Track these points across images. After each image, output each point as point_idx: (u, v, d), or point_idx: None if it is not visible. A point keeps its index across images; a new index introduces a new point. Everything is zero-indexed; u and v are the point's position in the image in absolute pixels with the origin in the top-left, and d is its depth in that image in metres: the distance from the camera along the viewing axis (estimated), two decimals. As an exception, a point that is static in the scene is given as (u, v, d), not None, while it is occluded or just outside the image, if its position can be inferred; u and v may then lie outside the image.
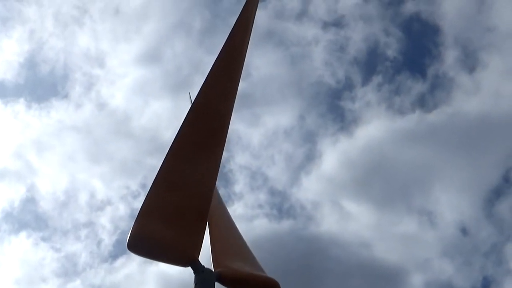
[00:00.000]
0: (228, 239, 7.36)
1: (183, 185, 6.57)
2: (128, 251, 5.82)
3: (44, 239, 28.21)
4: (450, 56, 28.11)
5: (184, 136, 6.71)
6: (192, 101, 7.59)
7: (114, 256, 26.06)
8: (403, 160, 27.65)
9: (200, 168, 6.75)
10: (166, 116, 29.37)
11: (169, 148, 6.64)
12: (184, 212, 6.26)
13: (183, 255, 5.98)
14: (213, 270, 6.21)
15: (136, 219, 5.92)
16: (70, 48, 29.50)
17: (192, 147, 6.78)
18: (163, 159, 6.45)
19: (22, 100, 28.31)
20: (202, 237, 6.05)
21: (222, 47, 7.43)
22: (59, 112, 29.25)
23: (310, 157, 28.21)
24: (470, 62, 27.82)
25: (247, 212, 25.99)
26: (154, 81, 30.65)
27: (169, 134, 27.07)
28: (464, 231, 26.27)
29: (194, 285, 6.08)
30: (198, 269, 6.08)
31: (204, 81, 7.12)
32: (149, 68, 33.05)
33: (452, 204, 27.08)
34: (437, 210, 26.57)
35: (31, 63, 28.77)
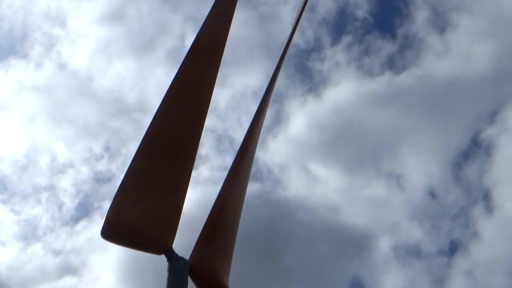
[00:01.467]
0: (220, 234, 7.21)
1: (158, 175, 6.48)
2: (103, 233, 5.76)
3: (3, 201, 27.64)
4: (420, 17, 27.89)
5: (159, 124, 6.63)
6: None
7: (75, 219, 26.75)
8: (372, 123, 27.17)
9: (176, 155, 6.69)
10: (130, 78, 28.75)
11: (145, 134, 6.57)
12: (158, 201, 6.18)
13: (157, 243, 5.88)
14: (187, 259, 6.15)
15: (110, 206, 5.80)
16: (29, 6, 29.14)
17: (170, 133, 6.74)
18: (140, 142, 6.39)
19: (-23, 58, 28.36)
20: (176, 225, 5.97)
21: (203, 28, 7.40)
22: (18, 72, 28.28)
23: (278, 120, 27.55)
24: (440, 23, 27.48)
25: (213, 174, 25.62)
26: (118, 41, 29.64)
27: (133, 95, 28.68)
28: (432, 194, 26.19)
29: (168, 273, 6.03)
30: (171, 257, 5.95)
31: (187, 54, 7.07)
32: (112, 28, 32.01)
33: (420, 167, 26.91)
34: (405, 173, 26.73)
35: (-13, 22, 28.86)
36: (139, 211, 5.98)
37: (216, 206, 6.60)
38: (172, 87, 6.84)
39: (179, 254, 6.18)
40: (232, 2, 7.83)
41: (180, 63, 7.03)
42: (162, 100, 6.80)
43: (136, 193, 6.06)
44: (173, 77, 7.03)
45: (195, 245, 6.35)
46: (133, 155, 6.31)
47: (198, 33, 7.28)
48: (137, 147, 6.39)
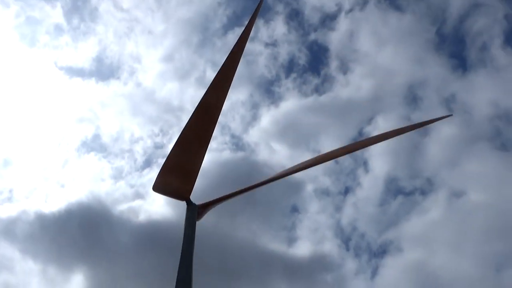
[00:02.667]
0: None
1: (185, 158, 11.10)
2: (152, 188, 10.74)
3: (104, 157, 46.31)
4: (333, 64, 48.64)
5: (189, 127, 11.11)
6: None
7: (143, 168, 45.62)
8: (305, 122, 46.65)
9: (196, 147, 11.21)
10: (175, 92, 49.64)
11: (179, 135, 11.20)
12: (184, 173, 11.01)
13: (182, 195, 11.02)
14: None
15: (158, 174, 10.84)
16: (121, 50, 48.17)
17: (193, 135, 11.13)
18: (178, 135, 11.35)
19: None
20: (192, 187, 10.98)
21: (222, 67, 11.55)
22: (114, 87, 49.15)
23: (255, 117, 48.06)
24: (344, 69, 48.29)
25: (218, 146, 43.77)
26: (169, 72, 49.58)
27: (176, 102, 48.76)
28: (336, 161, 38.90)
29: (186, 212, 11.18)
30: (189, 202, 11.21)
31: (209, 87, 11.62)
32: (166, 64, 49.93)
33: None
34: (322, 149, 43.73)
35: None
36: (173, 178, 10.91)
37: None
38: (199, 104, 11.26)
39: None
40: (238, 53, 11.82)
41: (205, 89, 11.45)
42: (192, 114, 11.37)
43: (172, 167, 10.99)
44: (200, 96, 11.45)
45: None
46: (174, 140, 11.45)
47: (216, 74, 11.95)
48: (176, 138, 11.35)
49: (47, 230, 34.87)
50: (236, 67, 12.19)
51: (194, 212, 11.02)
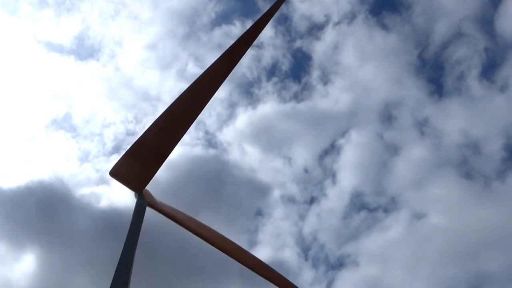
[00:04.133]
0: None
1: (153, 147, 10.66)
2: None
3: (73, 137, 45.24)
4: (315, 74, 48.45)
5: (168, 113, 10.57)
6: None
7: (111, 153, 43.68)
8: (281, 127, 46.79)
9: (168, 136, 10.77)
10: (154, 81, 46.31)
11: (156, 120, 10.70)
12: (146, 163, 10.55)
13: (137, 186, 10.57)
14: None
15: (120, 159, 10.27)
16: (104, 32, 45.49)
17: (170, 122, 10.60)
18: (150, 124, 10.76)
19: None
20: (149, 180, 10.61)
21: (221, 58, 10.82)
22: (93, 68, 46.61)
23: (231, 117, 47.75)
24: (325, 79, 48.24)
25: (191, 141, 42.77)
26: (150, 60, 47.65)
27: (154, 91, 46.86)
28: (306, 170, 45.99)
29: (135, 205, 10.72)
30: (141, 196, 10.75)
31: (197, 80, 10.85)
32: (149, 52, 48.07)
33: (301, 155, 46.03)
34: (293, 157, 45.78)
35: None
36: (134, 167, 10.43)
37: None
38: (188, 89, 10.64)
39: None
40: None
41: (185, 82, 10.95)
42: (177, 98, 10.81)
43: (136, 153, 10.50)
44: (179, 89, 10.89)
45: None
46: (144, 129, 10.88)
47: (217, 60, 11.04)
48: (147, 127, 10.85)
49: (3, 205, 33.87)
50: (241, 56, 11.36)
51: (143, 208, 10.62)
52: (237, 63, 11.40)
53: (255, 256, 13.50)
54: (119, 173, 10.72)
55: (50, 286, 29.38)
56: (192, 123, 10.97)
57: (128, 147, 10.68)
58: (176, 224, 12.62)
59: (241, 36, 11.27)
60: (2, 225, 32.83)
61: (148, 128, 10.85)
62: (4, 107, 46.58)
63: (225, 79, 11.31)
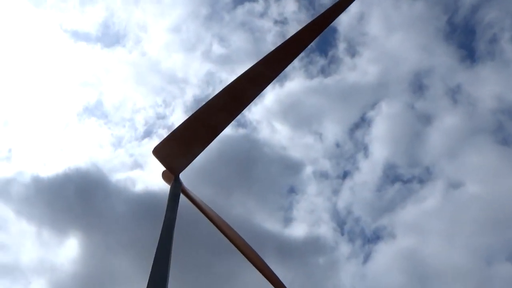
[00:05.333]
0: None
1: (198, 130, 10.62)
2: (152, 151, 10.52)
3: (105, 124, 45.77)
4: (341, 47, 47.54)
5: (218, 98, 10.30)
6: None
7: (142, 137, 44.96)
8: (309, 103, 46.20)
9: (216, 122, 10.61)
10: (180, 64, 46.10)
11: (206, 103, 10.47)
12: (187, 147, 10.66)
13: (175, 169, 10.63)
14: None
15: (163, 139, 10.53)
16: (128, 17, 47.56)
17: (219, 108, 10.30)
18: (200, 107, 10.57)
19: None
20: (188, 164, 10.59)
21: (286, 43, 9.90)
22: (119, 54, 46.97)
23: (259, 95, 40.73)
24: (352, 51, 47.23)
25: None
26: (175, 43, 47.48)
27: (181, 74, 48.50)
28: (337, 144, 45.62)
29: (170, 188, 10.85)
30: (176, 179, 10.84)
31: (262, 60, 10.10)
32: (173, 35, 47.35)
33: (332, 130, 45.49)
34: (324, 132, 45.53)
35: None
36: (175, 150, 10.57)
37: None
38: (246, 72, 10.01)
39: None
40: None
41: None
42: (231, 83, 10.38)
43: (178, 137, 10.59)
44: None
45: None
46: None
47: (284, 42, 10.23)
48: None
49: (44, 193, 35.06)
50: (312, 40, 10.44)
51: (178, 190, 10.72)
52: (302, 50, 10.57)
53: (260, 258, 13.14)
54: (161, 152, 10.90)
55: (93, 269, 30.45)
56: (241, 111, 10.69)
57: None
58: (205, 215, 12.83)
59: (313, 20, 10.49)
60: (44, 212, 34.08)
61: (197, 111, 10.76)
62: (37, 98, 47.83)
63: (283, 68, 10.54)
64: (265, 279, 12.51)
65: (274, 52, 10.42)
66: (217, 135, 10.80)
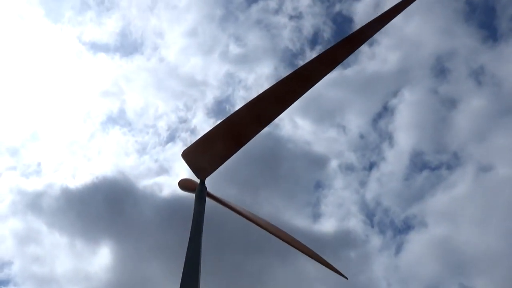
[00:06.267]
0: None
1: (226, 140, 10.58)
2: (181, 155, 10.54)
3: (129, 131, 46.31)
4: None
5: (251, 105, 10.13)
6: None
7: (166, 142, 45.55)
8: (329, 95, 45.64)
9: (243, 132, 10.56)
10: (198, 67, 48.56)
11: (238, 109, 10.39)
12: (214, 156, 10.65)
13: (203, 173, 10.61)
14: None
15: (193, 144, 10.51)
16: (145, 25, 48.36)
17: (247, 120, 10.20)
18: (227, 116, 10.51)
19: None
20: (215, 169, 10.65)
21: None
22: (138, 62, 47.82)
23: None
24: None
25: None
26: (191, 47, 48.48)
27: (200, 77, 49.07)
28: (361, 136, 45.55)
29: (196, 192, 10.82)
30: (202, 183, 10.81)
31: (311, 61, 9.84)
32: (189, 39, 48.10)
33: (355, 121, 45.48)
34: (347, 125, 45.51)
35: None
36: (203, 154, 10.54)
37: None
38: (289, 76, 9.80)
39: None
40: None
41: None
42: (258, 96, 10.26)
43: (211, 141, 10.54)
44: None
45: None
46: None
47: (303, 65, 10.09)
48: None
49: (73, 204, 35.64)
50: (363, 43, 10.30)
51: (204, 194, 10.72)
52: (358, 46, 10.30)
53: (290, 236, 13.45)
54: (190, 156, 10.92)
55: (126, 275, 30.82)
56: (270, 123, 10.52)
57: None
58: (231, 210, 12.89)
59: (368, 23, 10.39)
60: (75, 223, 34.66)
61: (227, 118, 10.70)
62: (62, 111, 48.65)
63: (340, 61, 10.18)
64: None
65: (307, 65, 10.26)
66: (244, 144, 10.75)
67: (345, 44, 10.18)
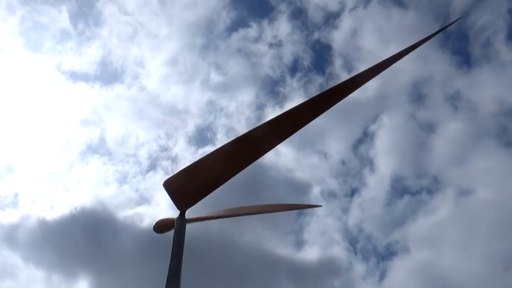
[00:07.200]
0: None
1: (210, 173, 10.44)
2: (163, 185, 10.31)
3: (109, 160, 46.11)
4: (337, 64, 48.68)
5: (236, 143, 10.15)
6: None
7: (147, 171, 45.09)
8: (311, 122, 40.73)
9: (231, 166, 10.47)
10: (179, 96, 48.10)
11: (224, 144, 10.41)
12: (198, 185, 10.47)
13: (184, 204, 10.40)
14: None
15: (175, 174, 10.33)
16: (125, 54, 49.49)
17: (233, 156, 10.20)
18: (214, 150, 10.49)
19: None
20: (196, 202, 10.44)
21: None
22: (118, 90, 47.66)
23: (260, 119, 45.87)
24: (348, 67, 47.45)
25: None
26: (173, 76, 48.65)
27: (181, 105, 49.01)
28: (342, 162, 46.23)
29: (175, 223, 10.61)
30: (182, 215, 10.62)
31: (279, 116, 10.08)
32: (170, 68, 49.12)
33: (336, 147, 46.10)
34: (328, 151, 46.07)
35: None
36: (185, 186, 10.33)
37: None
38: (256, 128, 10.01)
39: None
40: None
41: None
42: (245, 133, 10.29)
43: (194, 173, 10.34)
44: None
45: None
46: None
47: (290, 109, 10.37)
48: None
49: (50, 236, 34.72)
50: (352, 91, 10.53)
51: (183, 227, 10.52)
52: (345, 95, 10.63)
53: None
54: (172, 186, 10.69)
55: (106, 310, 29.87)
56: (252, 163, 10.54)
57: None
58: (215, 219, 12.70)
59: (368, 69, 10.51)
60: (52, 256, 33.65)
61: (213, 151, 10.61)
62: (40, 140, 47.90)
63: (326, 109, 10.64)
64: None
65: (296, 108, 10.50)
66: (227, 180, 10.67)
67: (333, 92, 10.52)
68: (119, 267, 30.18)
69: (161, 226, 12.87)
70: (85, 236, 33.75)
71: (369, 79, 10.51)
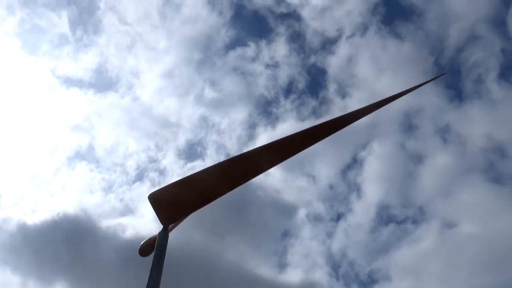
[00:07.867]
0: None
1: (198, 190, 10.26)
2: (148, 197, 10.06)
3: (96, 168, 46.15)
4: (331, 88, 49.05)
5: (232, 162, 10.08)
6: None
7: (133, 182, 44.92)
8: None
9: (214, 189, 10.32)
10: (173, 108, 47.51)
11: (219, 162, 10.30)
12: (185, 202, 10.27)
13: (168, 220, 10.22)
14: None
15: (162, 187, 10.06)
16: (122, 64, 50.12)
17: (225, 174, 10.09)
18: (206, 168, 10.31)
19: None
20: (182, 218, 10.26)
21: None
22: (112, 99, 47.66)
23: (251, 137, 47.14)
24: (342, 92, 48.65)
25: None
26: (167, 88, 49.02)
27: (174, 118, 48.46)
28: (330, 186, 46.50)
29: (157, 238, 10.48)
30: (165, 228, 10.43)
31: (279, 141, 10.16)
32: (165, 80, 49.77)
33: (325, 171, 46.68)
34: (317, 174, 46.36)
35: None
36: (170, 201, 10.13)
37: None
38: (255, 149, 10.04)
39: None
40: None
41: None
42: (243, 153, 10.26)
43: (179, 190, 10.13)
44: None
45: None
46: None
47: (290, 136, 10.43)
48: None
49: (30, 241, 34.18)
50: (345, 126, 10.76)
51: (165, 242, 10.25)
52: (338, 129, 10.73)
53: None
54: (157, 200, 10.38)
55: (81, 320, 29.27)
56: (252, 178, 10.50)
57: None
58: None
59: (357, 110, 10.87)
60: (30, 261, 33.08)
61: (206, 169, 10.45)
62: (28, 143, 47.44)
63: (320, 139, 10.63)
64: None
65: (289, 137, 10.61)
66: (215, 199, 10.53)
67: (329, 125, 10.73)
68: (98, 277, 29.68)
69: (146, 248, 12.14)
70: (65, 243, 33.35)
71: (365, 115, 10.93)
